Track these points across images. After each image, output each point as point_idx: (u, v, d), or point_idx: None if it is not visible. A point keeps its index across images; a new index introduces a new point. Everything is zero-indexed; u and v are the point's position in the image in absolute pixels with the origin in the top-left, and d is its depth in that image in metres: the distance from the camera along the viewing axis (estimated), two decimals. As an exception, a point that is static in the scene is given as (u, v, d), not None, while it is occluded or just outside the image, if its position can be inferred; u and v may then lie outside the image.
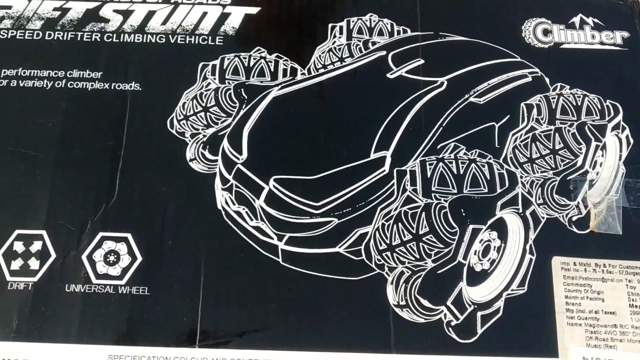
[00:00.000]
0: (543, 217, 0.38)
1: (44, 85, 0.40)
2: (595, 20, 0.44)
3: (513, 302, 0.36)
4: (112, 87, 0.40)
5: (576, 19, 0.44)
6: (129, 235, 0.37)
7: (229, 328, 0.35)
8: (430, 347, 0.35)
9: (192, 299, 0.36)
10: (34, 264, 0.36)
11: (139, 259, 0.36)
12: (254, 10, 0.42)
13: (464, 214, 0.37)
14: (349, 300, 0.36)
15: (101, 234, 0.36)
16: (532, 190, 0.39)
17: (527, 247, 0.37)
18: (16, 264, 0.36)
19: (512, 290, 0.37)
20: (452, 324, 0.36)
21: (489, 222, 0.37)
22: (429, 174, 0.38)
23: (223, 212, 0.38)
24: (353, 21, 0.42)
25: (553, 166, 0.39)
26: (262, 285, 0.36)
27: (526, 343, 0.36)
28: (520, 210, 0.38)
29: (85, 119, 0.39)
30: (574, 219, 0.38)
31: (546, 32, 0.43)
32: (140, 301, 0.35)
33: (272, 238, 0.37)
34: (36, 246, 0.36)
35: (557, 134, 0.39)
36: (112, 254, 0.36)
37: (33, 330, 0.35)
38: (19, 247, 0.36)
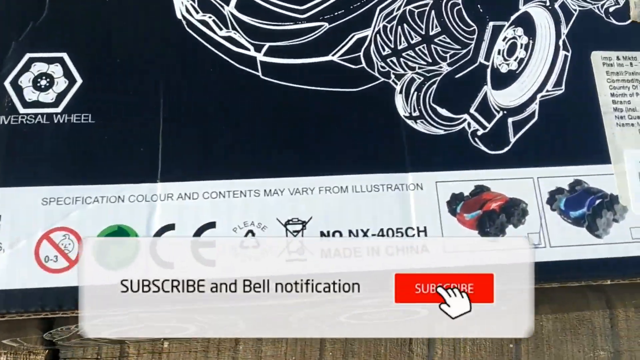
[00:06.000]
0: (575, 10, 0.31)
1: None
2: None
3: (549, 104, 0.29)
4: None
5: None
6: (64, 55, 0.29)
7: (198, 157, 0.28)
8: (454, 162, 0.28)
9: (150, 125, 0.28)
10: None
11: (79, 81, 0.28)
12: None
13: (481, 10, 0.31)
14: (349, 115, 0.29)
15: (28, 55, 0.29)
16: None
17: (560, 43, 0.31)
18: None
19: (547, 91, 0.30)
20: (479, 133, 0.29)
21: (512, 17, 0.31)
22: (434, -32, 0.31)
23: (184, 22, 0.30)
24: None
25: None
26: (239, 103, 0.29)
27: (570, 149, 0.29)
28: (548, 4, 0.31)
29: None
30: (611, 9, 0.32)
31: None
32: (84, 130, 0.28)
33: (248, 49, 0.30)
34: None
35: None
36: (44, 77, 0.28)
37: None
38: None
